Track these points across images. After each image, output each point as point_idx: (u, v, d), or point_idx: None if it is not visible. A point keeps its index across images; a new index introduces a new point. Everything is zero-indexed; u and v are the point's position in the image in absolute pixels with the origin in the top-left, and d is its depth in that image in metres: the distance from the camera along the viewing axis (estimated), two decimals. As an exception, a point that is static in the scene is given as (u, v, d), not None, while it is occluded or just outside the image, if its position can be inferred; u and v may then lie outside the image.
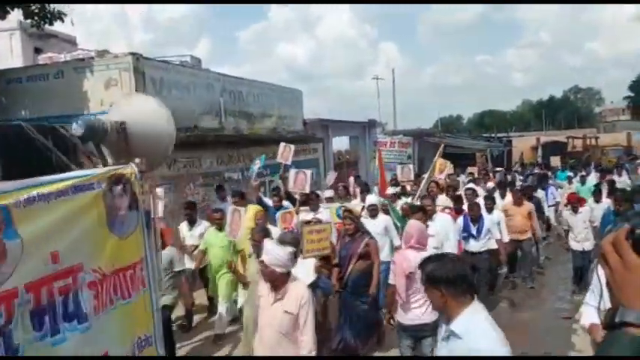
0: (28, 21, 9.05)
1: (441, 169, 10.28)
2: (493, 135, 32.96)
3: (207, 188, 9.73)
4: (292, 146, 8.40)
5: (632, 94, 62.86)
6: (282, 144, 8.45)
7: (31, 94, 8.88)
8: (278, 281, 3.44)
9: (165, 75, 9.18)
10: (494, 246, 7.29)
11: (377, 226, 6.65)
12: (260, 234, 4.69)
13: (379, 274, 5.71)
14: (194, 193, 9.48)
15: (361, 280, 5.50)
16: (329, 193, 9.62)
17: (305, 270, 4.28)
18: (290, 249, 3.54)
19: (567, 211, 8.22)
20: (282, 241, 4.04)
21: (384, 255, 6.29)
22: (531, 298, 7.91)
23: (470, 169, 17.02)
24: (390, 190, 8.96)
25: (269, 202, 8.26)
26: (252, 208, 7.14)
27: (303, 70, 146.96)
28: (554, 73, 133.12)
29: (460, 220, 7.18)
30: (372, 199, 7.17)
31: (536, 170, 18.82)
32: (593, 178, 14.09)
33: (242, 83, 12.08)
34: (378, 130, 21.14)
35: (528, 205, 8.61)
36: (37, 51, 19.30)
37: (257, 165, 8.42)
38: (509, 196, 9.25)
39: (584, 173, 14.60)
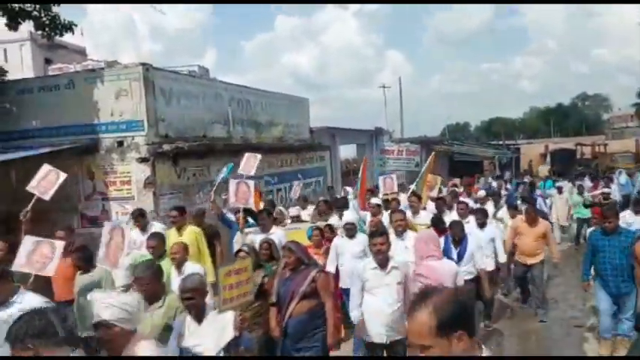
0: (39, 32, 9.16)
1: (430, 185, 9.35)
2: (501, 142, 32.84)
3: (215, 197, 9.76)
4: (258, 156, 7.50)
5: (640, 101, 62.38)
6: (247, 154, 7.50)
7: (42, 105, 8.98)
8: (115, 344, 2.61)
9: (174, 85, 9.26)
10: (487, 267, 6.23)
11: (355, 246, 6.04)
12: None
13: (337, 318, 4.89)
14: (204, 201, 9.51)
15: (304, 325, 4.33)
16: (294, 210, 8.35)
17: (221, 326, 3.45)
18: (136, 295, 2.90)
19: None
20: (183, 289, 3.52)
21: None
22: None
23: (453, 181, 16.30)
24: (374, 201, 8.09)
25: (232, 217, 7.32)
26: (191, 231, 6.30)
27: (309, 79, 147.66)
28: (561, 80, 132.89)
29: (441, 241, 6.01)
30: (349, 216, 6.43)
31: (526, 179, 18.49)
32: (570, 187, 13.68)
33: (250, 92, 12.15)
34: (385, 138, 21.15)
35: (543, 225, 7.38)
36: (48, 61, 19.59)
37: (222, 175, 7.57)
38: (519, 214, 8.14)
39: (580, 182, 13.96)
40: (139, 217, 6.72)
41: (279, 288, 4.44)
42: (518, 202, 10.61)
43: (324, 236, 6.60)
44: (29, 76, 12.57)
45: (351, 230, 6.13)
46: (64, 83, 8.92)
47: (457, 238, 5.99)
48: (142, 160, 8.47)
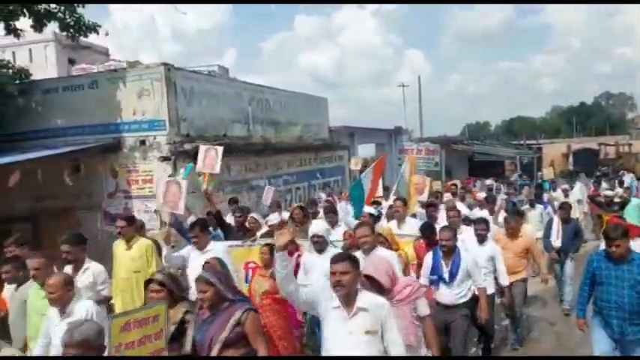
0: (64, 33, 9.33)
1: (419, 188, 8.13)
2: (522, 142, 32.40)
3: (236, 195, 9.84)
4: (220, 149, 6.60)
5: (666, 100, 60.95)
6: (203, 146, 6.67)
7: (66, 104, 9.15)
8: None
9: (195, 84, 9.35)
10: (487, 290, 5.35)
11: (326, 262, 4.40)
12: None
13: None
14: (223, 200, 9.59)
15: None
16: (274, 217, 6.96)
17: None
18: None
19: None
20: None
21: None
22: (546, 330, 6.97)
23: (451, 182, 14.77)
24: (367, 210, 6.99)
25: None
26: (141, 245, 5.54)
27: (328, 79, 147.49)
28: (584, 79, 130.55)
29: (429, 256, 5.07)
30: (317, 226, 5.34)
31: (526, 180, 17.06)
32: (577, 191, 12.81)
33: (269, 92, 12.21)
34: (404, 138, 21.05)
35: (526, 238, 6.54)
36: (71, 62, 19.92)
37: (180, 176, 6.84)
38: (497, 225, 7.34)
39: (566, 186, 12.84)
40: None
41: (195, 334, 3.39)
42: (525, 206, 9.80)
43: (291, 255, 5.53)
44: (53, 76, 12.81)
45: (319, 244, 5.16)
46: (88, 83, 9.08)
47: (447, 251, 4.89)
48: (164, 158, 8.58)
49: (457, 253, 4.93)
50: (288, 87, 15.50)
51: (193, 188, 6.51)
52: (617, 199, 10.97)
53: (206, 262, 4.39)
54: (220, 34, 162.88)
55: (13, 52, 17.38)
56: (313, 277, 5.07)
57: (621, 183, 14.50)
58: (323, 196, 10.00)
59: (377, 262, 3.78)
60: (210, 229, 6.03)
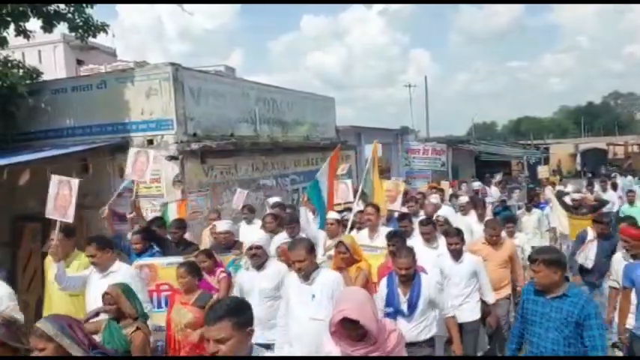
0: (72, 34, 9.40)
1: (391, 196, 6.95)
2: (529, 142, 32.26)
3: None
4: (151, 152, 6.09)
5: (676, 99, 60.46)
6: (133, 150, 6.15)
7: (75, 104, 9.22)
8: None
9: (202, 84, 9.39)
10: (444, 329, 4.33)
11: (265, 281, 4.34)
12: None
13: None
14: (230, 200, 9.61)
15: None
16: (226, 225, 5.86)
17: None
18: None
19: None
20: None
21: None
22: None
23: (431, 184, 13.81)
24: (331, 216, 6.11)
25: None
26: (80, 264, 4.86)
27: (335, 79, 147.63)
28: (592, 79, 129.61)
29: (382, 284, 4.19)
30: (254, 235, 4.66)
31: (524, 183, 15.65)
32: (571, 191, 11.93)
33: (276, 91, 12.23)
34: (411, 138, 21.02)
35: (509, 246, 5.77)
36: (79, 62, 20.08)
37: (125, 182, 6.66)
38: (478, 232, 6.45)
39: (561, 187, 12.02)
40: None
41: None
42: (520, 211, 9.22)
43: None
44: (62, 77, 12.91)
45: (257, 257, 4.34)
46: (97, 83, 9.14)
47: (405, 275, 3.98)
48: (172, 158, 8.62)
49: (417, 279, 4.02)
50: (296, 87, 15.51)
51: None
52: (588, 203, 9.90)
53: (105, 294, 3.64)
54: (227, 35, 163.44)
55: (23, 54, 17.53)
56: (252, 299, 4.07)
57: (614, 186, 13.50)
58: (271, 200, 8.20)
59: (357, 297, 2.81)
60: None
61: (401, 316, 3.99)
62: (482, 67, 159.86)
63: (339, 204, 7.51)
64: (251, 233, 5.17)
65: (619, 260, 4.93)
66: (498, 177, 16.41)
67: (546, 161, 25.75)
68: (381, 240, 5.47)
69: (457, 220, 7.08)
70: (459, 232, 5.03)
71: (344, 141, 15.37)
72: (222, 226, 5.82)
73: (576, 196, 9.18)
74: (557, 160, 27.69)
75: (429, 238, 5.46)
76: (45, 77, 10.67)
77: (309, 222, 6.07)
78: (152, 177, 8.80)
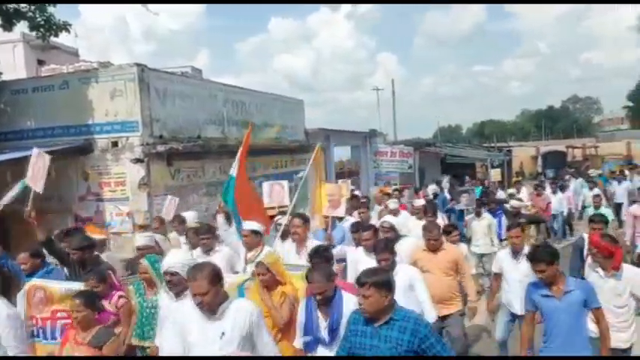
0: (33, 33, 9.15)
1: (333, 201, 6.03)
2: (493, 145, 33.10)
3: (210, 198, 9.78)
4: (47, 157, 5.46)
5: (631, 104, 63.09)
6: (35, 150, 5.55)
7: (36, 105, 8.97)
8: None
9: (169, 85, 9.27)
10: None
11: (182, 309, 3.33)
12: None
13: None
14: (197, 203, 9.51)
15: None
16: (145, 239, 5.23)
17: None
18: None
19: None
20: None
21: None
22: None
23: (378, 189, 13.00)
24: (246, 227, 4.98)
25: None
26: None
27: (303, 82, 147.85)
28: (552, 83, 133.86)
29: (301, 309, 3.68)
30: (173, 257, 3.74)
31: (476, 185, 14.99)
32: (524, 195, 11.65)
33: (244, 93, 12.18)
34: (379, 140, 21.23)
35: (451, 250, 5.11)
36: (40, 62, 19.46)
37: (13, 192, 6.29)
38: (414, 239, 5.57)
39: (513, 190, 11.55)
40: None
41: None
42: (470, 216, 8.74)
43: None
44: (22, 77, 12.50)
45: (173, 285, 3.64)
46: (59, 84, 8.91)
47: (324, 299, 3.47)
48: (137, 160, 8.48)
49: (337, 300, 3.50)
50: (264, 89, 15.48)
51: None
52: (525, 212, 9.41)
53: None
54: (193, 35, 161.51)
55: (-21, 53, 16.88)
56: (167, 334, 3.47)
57: (562, 188, 13.15)
58: (190, 215, 7.22)
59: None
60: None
61: (322, 345, 3.46)
62: (448, 71, 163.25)
63: (273, 207, 6.67)
64: (175, 252, 4.00)
65: (587, 270, 4.41)
66: (445, 180, 15.66)
67: (509, 164, 26.47)
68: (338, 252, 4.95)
69: (414, 226, 6.58)
70: (387, 246, 4.43)
71: (313, 143, 15.42)
72: (141, 240, 5.13)
73: (515, 203, 8.47)
74: (519, 162, 28.48)
75: (369, 247, 4.80)
76: (4, 77, 10.33)
77: (229, 232, 5.44)
78: (117, 180, 8.64)
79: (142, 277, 4.24)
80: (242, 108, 11.80)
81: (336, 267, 4.51)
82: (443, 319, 4.79)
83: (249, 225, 5.03)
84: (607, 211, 9.28)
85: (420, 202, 8.25)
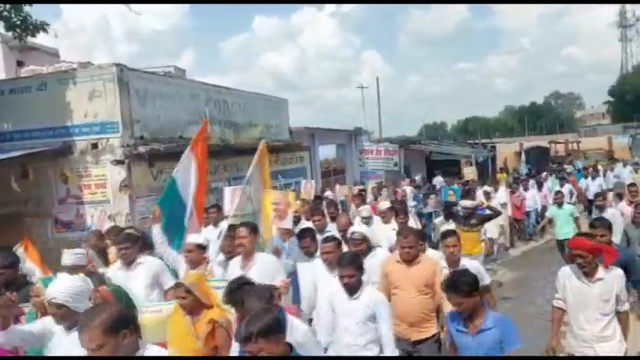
0: (10, 33, 8.95)
1: (279, 210, 5.29)
2: (477, 141, 33.32)
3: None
4: None
5: (611, 99, 64.11)
6: None
7: (13, 107, 8.77)
8: None
9: (149, 85, 9.14)
10: None
11: (72, 340, 2.74)
12: None
13: None
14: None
15: None
16: (72, 258, 4.50)
17: None
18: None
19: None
20: None
21: None
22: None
23: (338, 188, 12.28)
24: (191, 240, 4.58)
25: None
26: None
27: (288, 80, 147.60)
28: (535, 79, 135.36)
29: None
30: (61, 283, 3.09)
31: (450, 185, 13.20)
32: (501, 194, 11.12)
33: (227, 93, 12.07)
34: (364, 138, 21.23)
35: (429, 263, 4.33)
36: (20, 64, 19.10)
37: None
38: (384, 250, 5.09)
39: (488, 188, 10.89)
40: None
41: None
42: (439, 219, 8.09)
43: None
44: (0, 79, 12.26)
45: (60, 318, 3.06)
46: (36, 85, 8.74)
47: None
48: (117, 162, 8.34)
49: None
50: (249, 88, 15.38)
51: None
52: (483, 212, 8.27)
53: None
54: (177, 35, 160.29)
55: (-45, 54, 16.49)
56: None
57: (540, 185, 12.93)
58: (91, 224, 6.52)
59: None
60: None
61: None
62: (432, 68, 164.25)
63: (226, 217, 5.97)
64: (62, 278, 3.25)
65: (568, 275, 3.96)
66: (418, 177, 14.81)
67: (493, 160, 26.66)
68: (256, 271, 4.09)
69: (381, 232, 6.11)
70: (353, 261, 3.79)
71: (298, 142, 15.36)
72: (69, 258, 4.42)
73: (467, 203, 7.55)
74: (503, 158, 28.67)
75: (330, 261, 4.24)
76: (-19, 79, 10.11)
77: (164, 243, 4.87)
78: (97, 182, 8.50)
79: (34, 301, 3.59)
80: (225, 108, 11.70)
81: (280, 282, 3.85)
82: (415, 344, 4.18)
83: (195, 238, 4.48)
84: (570, 208, 9.36)
85: (385, 204, 7.51)
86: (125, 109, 8.41)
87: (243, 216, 5.45)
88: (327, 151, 19.98)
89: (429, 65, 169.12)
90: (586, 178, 14.66)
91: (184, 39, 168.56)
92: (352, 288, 3.73)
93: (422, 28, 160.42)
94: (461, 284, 3.28)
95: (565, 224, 8.97)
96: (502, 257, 10.97)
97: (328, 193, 10.79)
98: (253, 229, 4.53)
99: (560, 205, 9.23)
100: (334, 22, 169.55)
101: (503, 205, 10.30)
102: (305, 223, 6.43)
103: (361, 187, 13.19)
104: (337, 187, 13.19)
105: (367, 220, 6.81)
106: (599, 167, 17.01)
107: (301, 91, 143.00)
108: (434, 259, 4.53)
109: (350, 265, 3.73)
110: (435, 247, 6.49)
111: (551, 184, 14.04)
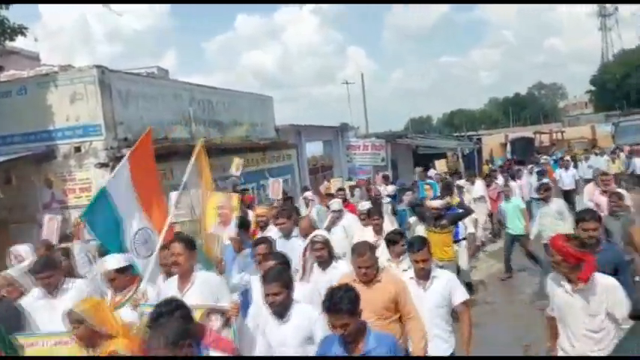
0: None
1: (223, 216, 4.74)
2: (463, 134, 33.52)
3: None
4: None
5: (593, 88, 64.86)
6: None
7: (-7, 112, 8.64)
8: None
9: (132, 86, 9.07)
10: None
11: None
12: None
13: None
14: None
15: None
16: (15, 271, 4.40)
17: None
18: None
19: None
20: None
21: None
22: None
23: (325, 184, 11.73)
24: (107, 265, 4.01)
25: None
26: None
27: (273, 78, 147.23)
28: (518, 71, 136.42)
29: None
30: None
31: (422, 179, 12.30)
32: (478, 187, 10.71)
33: (211, 92, 12.01)
34: (351, 134, 21.26)
35: (390, 284, 3.74)
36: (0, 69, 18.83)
37: None
38: (345, 264, 4.38)
39: (462, 181, 10.43)
40: None
41: None
42: (412, 219, 7.49)
43: None
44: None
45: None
46: (16, 89, 8.62)
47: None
48: (102, 165, 8.27)
49: None
50: (233, 87, 15.33)
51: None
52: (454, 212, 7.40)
53: None
54: (159, 35, 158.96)
55: None
56: None
57: (512, 177, 12.38)
58: (19, 250, 5.59)
59: None
60: None
61: None
62: (417, 63, 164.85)
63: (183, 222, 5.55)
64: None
65: (553, 281, 3.55)
66: (390, 187, 13.43)
67: (479, 152, 26.86)
68: (194, 297, 3.54)
69: (361, 234, 5.68)
70: (279, 277, 3.28)
71: (284, 140, 15.34)
72: (14, 272, 4.15)
73: (436, 203, 6.72)
74: (489, 149, 28.89)
75: (304, 270, 4.01)
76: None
77: (86, 264, 4.38)
78: (82, 186, 8.41)
79: None
80: (209, 107, 11.64)
81: (229, 305, 3.42)
82: None
83: (112, 263, 3.89)
84: (516, 201, 8.94)
85: (365, 204, 7.13)
86: (107, 111, 8.33)
87: (184, 223, 5.00)
88: (314, 148, 20.00)
89: (414, 60, 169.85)
90: (561, 168, 14.65)
91: (166, 39, 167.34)
92: (280, 309, 3.24)
93: (405, 22, 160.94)
94: (344, 302, 2.83)
95: (513, 218, 8.66)
96: (487, 248, 10.86)
97: (308, 194, 9.85)
98: (189, 243, 3.87)
99: (507, 198, 8.97)
100: (316, 19, 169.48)
101: (481, 198, 9.89)
102: (272, 229, 5.82)
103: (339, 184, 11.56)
104: (325, 182, 12.93)
105: (338, 215, 6.46)
106: (568, 158, 16.83)
107: (286, 89, 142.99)
108: (397, 278, 3.86)
109: (275, 282, 3.18)
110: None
111: (530, 176, 13.40)
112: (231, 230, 4.80)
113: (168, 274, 4.06)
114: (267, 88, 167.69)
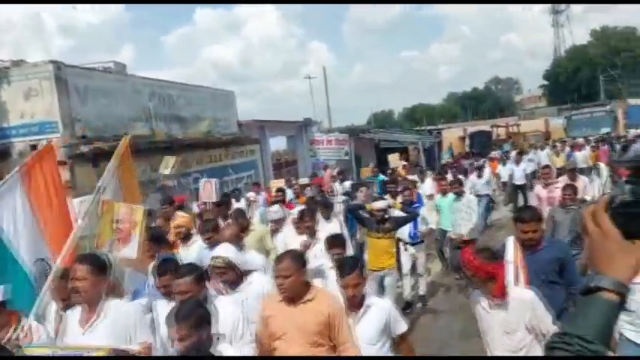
0: None
1: (121, 232, 3.96)
2: (424, 128, 34.15)
3: (142, 198, 9.44)
4: None
5: (546, 83, 67.16)
6: None
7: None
8: None
9: (89, 82, 8.84)
10: None
11: None
12: None
13: None
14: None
15: None
16: None
17: None
18: None
19: None
20: None
21: None
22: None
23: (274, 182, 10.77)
24: None
25: None
26: None
27: (234, 73, 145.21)
28: (476, 66, 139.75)
29: None
30: None
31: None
32: (427, 185, 9.95)
33: (171, 87, 11.83)
34: (314, 129, 21.33)
35: (326, 302, 3.00)
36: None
37: None
38: (262, 277, 3.70)
39: (414, 177, 9.84)
40: None
41: None
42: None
43: None
44: None
45: None
46: (-34, 86, 8.25)
47: None
48: (59, 163, 8.01)
49: None
50: (193, 81, 15.10)
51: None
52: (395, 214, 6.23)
53: None
54: (115, 29, 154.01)
55: None
56: None
57: (479, 170, 11.50)
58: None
59: None
60: None
61: None
62: (377, 58, 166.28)
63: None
64: None
65: (474, 297, 3.26)
66: (337, 169, 12.98)
67: (439, 146, 27.46)
68: (105, 327, 2.85)
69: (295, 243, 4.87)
70: (189, 316, 2.53)
71: (247, 136, 15.26)
72: None
73: (380, 205, 5.88)
74: (448, 143, 29.55)
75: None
76: None
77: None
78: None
79: None
80: (170, 102, 11.46)
81: (140, 346, 2.83)
82: None
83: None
84: (472, 199, 8.06)
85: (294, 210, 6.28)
86: (64, 107, 8.11)
87: (85, 238, 3.95)
88: (277, 143, 19.96)
89: (375, 54, 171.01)
90: (503, 164, 14.39)
91: (123, 33, 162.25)
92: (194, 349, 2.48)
93: (364, 16, 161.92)
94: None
95: (448, 214, 7.96)
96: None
97: (250, 195, 8.95)
98: (96, 265, 2.97)
99: (444, 193, 8.25)
100: (277, 14, 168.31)
101: (430, 196, 9.20)
102: (197, 241, 5.06)
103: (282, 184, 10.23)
104: (272, 182, 11.65)
105: (278, 225, 5.65)
106: (513, 153, 16.55)
107: (247, 83, 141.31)
108: (332, 296, 3.10)
109: (184, 322, 2.45)
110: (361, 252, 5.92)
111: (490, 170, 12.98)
112: (131, 250, 3.89)
113: (68, 306, 3.16)
114: (227, 83, 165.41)
